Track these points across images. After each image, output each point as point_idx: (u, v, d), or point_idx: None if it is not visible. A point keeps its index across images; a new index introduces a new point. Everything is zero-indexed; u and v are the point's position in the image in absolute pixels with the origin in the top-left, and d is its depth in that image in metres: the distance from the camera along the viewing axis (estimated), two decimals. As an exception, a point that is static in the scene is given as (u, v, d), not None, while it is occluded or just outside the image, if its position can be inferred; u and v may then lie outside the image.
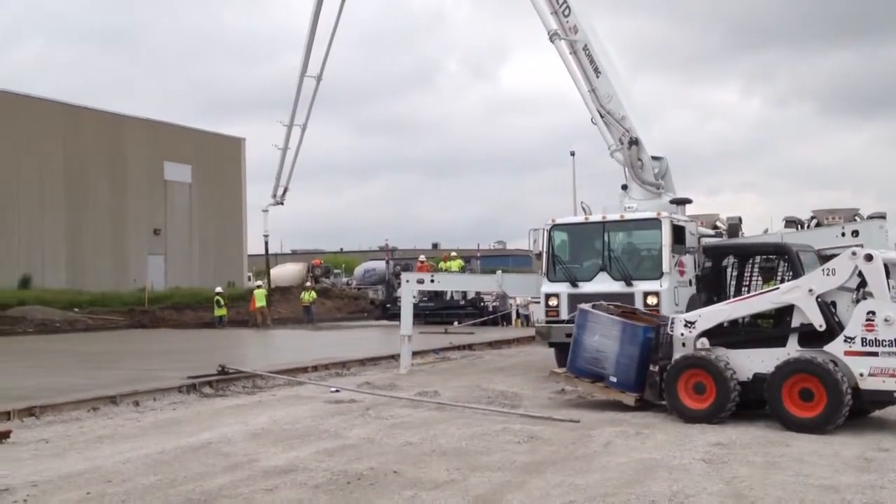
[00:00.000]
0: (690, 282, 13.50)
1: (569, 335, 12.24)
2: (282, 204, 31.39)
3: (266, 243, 34.00)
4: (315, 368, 15.21)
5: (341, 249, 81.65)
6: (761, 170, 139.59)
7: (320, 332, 28.51)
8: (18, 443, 8.78)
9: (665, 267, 13.01)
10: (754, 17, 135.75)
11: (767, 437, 8.52)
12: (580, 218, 14.67)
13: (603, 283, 13.36)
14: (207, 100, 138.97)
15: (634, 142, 15.31)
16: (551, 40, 16.12)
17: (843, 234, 13.03)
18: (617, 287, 13.15)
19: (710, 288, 11.09)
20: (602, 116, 15.71)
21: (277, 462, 7.63)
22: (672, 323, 9.96)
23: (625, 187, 15.56)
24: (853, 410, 8.84)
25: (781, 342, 9.32)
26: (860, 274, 8.91)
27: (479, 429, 9.13)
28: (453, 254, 36.06)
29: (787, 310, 9.33)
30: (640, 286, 13.06)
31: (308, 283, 38.89)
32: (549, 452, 7.97)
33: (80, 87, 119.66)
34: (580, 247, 14.33)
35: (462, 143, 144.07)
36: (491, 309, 31.10)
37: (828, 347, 8.92)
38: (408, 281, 16.55)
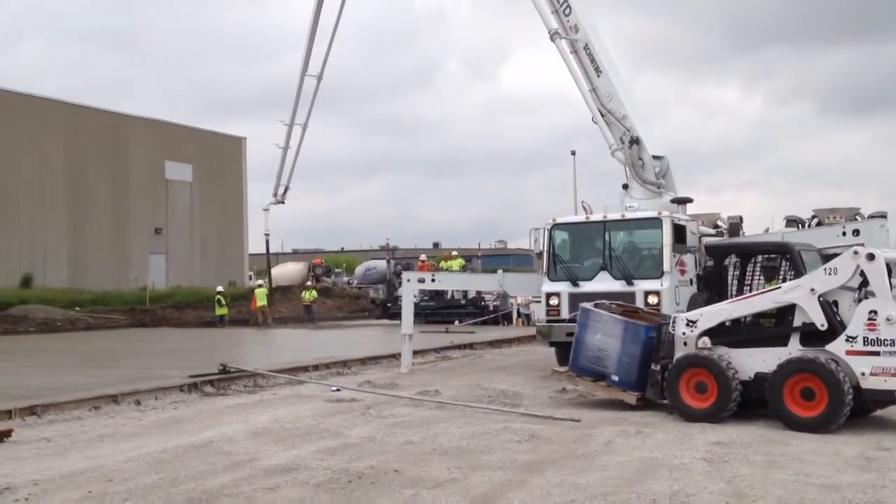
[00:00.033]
0: (691, 281, 13.50)
1: (569, 334, 12.24)
2: (283, 203, 31.38)
3: (267, 242, 34.01)
4: (316, 367, 15.22)
5: (342, 249, 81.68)
6: (762, 169, 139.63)
7: (321, 331, 28.53)
8: (20, 441, 8.79)
9: (666, 266, 13.01)
10: (755, 15, 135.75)
11: (768, 436, 8.52)
12: (581, 217, 14.66)
13: (604, 283, 13.36)
14: (208, 99, 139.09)
15: (635, 141, 15.30)
16: (552, 39, 16.11)
17: (845, 234, 13.02)
18: (618, 286, 13.14)
19: (712, 287, 11.10)
20: (603, 115, 15.70)
21: (279, 461, 7.63)
22: (674, 322, 9.96)
23: (626, 186, 15.56)
24: (855, 410, 8.84)
25: (783, 341, 9.32)
26: (862, 273, 8.91)
27: (479, 428, 9.13)
28: (454, 253, 36.05)
29: (789, 309, 9.33)
30: (641, 285, 13.06)
31: (309, 283, 38.94)
32: (549, 451, 7.97)
33: (81, 86, 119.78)
34: (581, 246, 14.33)
35: (463, 142, 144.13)
36: (492, 308, 31.10)
37: (829, 347, 8.92)
38: (409, 280, 16.56)
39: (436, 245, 71.24)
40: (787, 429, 8.80)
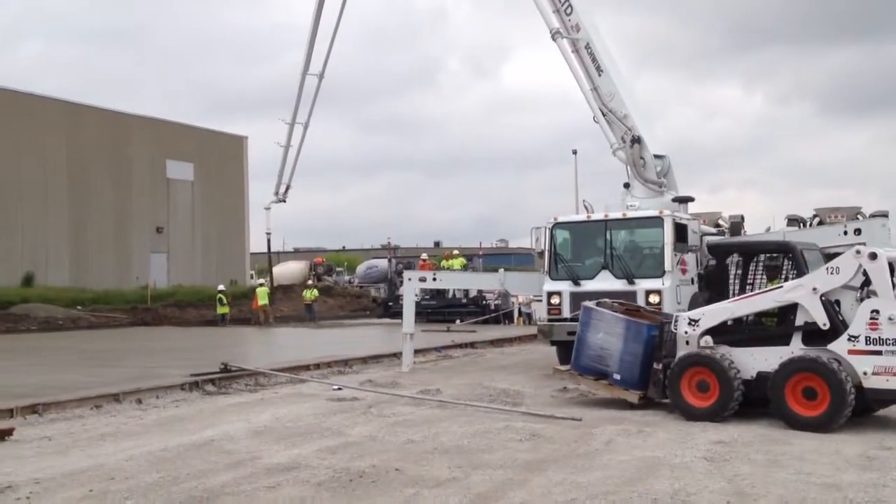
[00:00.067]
0: (692, 280, 13.49)
1: (570, 333, 12.25)
2: (284, 201, 31.44)
3: (268, 241, 34.09)
4: (317, 366, 15.22)
5: (343, 247, 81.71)
6: (763, 168, 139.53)
7: (322, 330, 28.53)
8: (21, 440, 8.80)
9: (667, 265, 13.00)
10: (756, 15, 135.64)
11: (769, 436, 8.51)
12: (582, 216, 14.66)
13: (605, 282, 13.35)
14: (210, 98, 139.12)
15: (636, 140, 15.29)
16: (553, 39, 16.11)
17: (846, 233, 13.03)
18: (619, 285, 13.14)
19: (714, 286, 11.10)
20: (604, 115, 15.70)
21: (280, 459, 7.64)
22: (676, 321, 9.95)
23: (627, 185, 15.56)
24: (857, 409, 8.83)
25: (785, 341, 9.31)
26: (864, 272, 8.90)
27: (480, 427, 9.13)
28: (455, 252, 36.04)
29: (791, 308, 9.32)
30: (643, 284, 13.05)
31: (310, 282, 38.96)
32: (550, 450, 7.97)
33: (83, 85, 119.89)
34: (582, 245, 14.33)
35: (464, 141, 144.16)
36: (493, 307, 31.10)
37: (831, 346, 8.90)
38: (410, 279, 16.56)
39: (437, 244, 71.29)
40: (789, 428, 8.80)
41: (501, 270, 17.09)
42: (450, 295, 31.51)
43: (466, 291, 31.05)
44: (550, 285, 13.98)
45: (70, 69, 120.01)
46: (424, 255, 36.58)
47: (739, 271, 10.92)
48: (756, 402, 9.37)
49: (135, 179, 41.82)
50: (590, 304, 10.89)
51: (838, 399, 8.60)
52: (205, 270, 43.86)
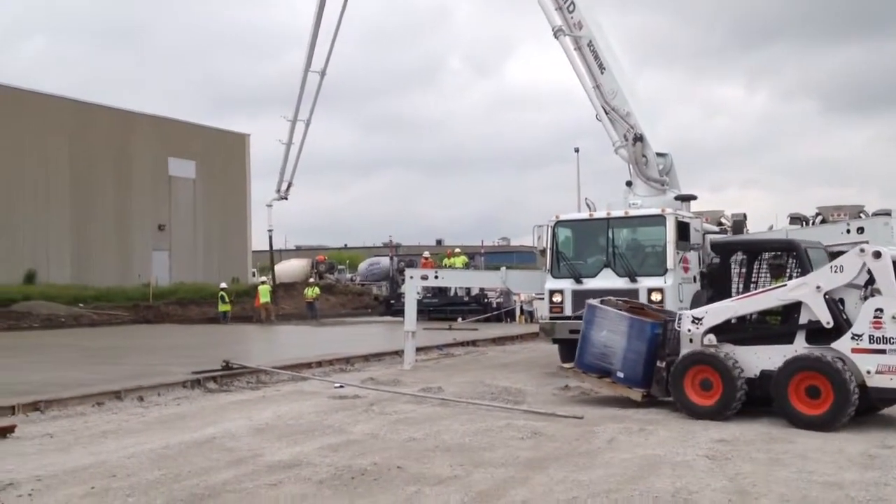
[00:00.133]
0: (695, 278, 13.47)
1: (573, 331, 12.24)
2: (286, 199, 31.47)
3: (270, 238, 34.12)
4: (319, 364, 15.22)
5: (345, 245, 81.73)
6: (766, 166, 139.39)
7: (324, 328, 28.54)
8: (23, 437, 8.80)
9: (669, 263, 12.98)
10: (758, 13, 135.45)
11: (771, 434, 8.50)
12: (584, 214, 14.64)
13: (607, 280, 13.33)
14: (212, 96, 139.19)
15: (639, 138, 15.27)
16: (556, 36, 16.08)
17: (849, 231, 13.00)
18: (621, 283, 13.12)
19: (718, 284, 11.08)
20: (606, 113, 15.68)
21: (281, 457, 7.63)
22: (679, 319, 9.94)
23: (629, 184, 15.53)
24: (861, 408, 8.81)
25: (789, 339, 9.29)
26: (868, 271, 8.87)
27: (482, 425, 9.12)
28: (457, 250, 36.03)
29: (795, 306, 9.29)
30: (645, 282, 13.04)
31: (312, 280, 38.95)
32: (552, 448, 7.96)
33: (86, 83, 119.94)
34: (584, 243, 14.31)
35: (466, 139, 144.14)
36: (495, 305, 31.08)
37: (835, 345, 8.88)
38: (412, 277, 16.56)
39: (439, 242, 71.25)
40: (791, 426, 8.78)
41: (503, 268, 17.07)
42: (451, 293, 31.50)
43: (468, 289, 31.05)
44: (552, 283, 13.96)
45: (72, 67, 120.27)
46: (426, 254, 36.56)
47: (743, 269, 10.89)
48: (759, 400, 9.36)
49: (137, 177, 41.85)
50: (594, 301, 10.88)
51: (842, 398, 8.58)
52: (207, 268, 43.91)
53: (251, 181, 48.95)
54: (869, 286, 9.02)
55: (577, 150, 45.93)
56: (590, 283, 13.45)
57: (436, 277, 17.96)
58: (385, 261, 41.15)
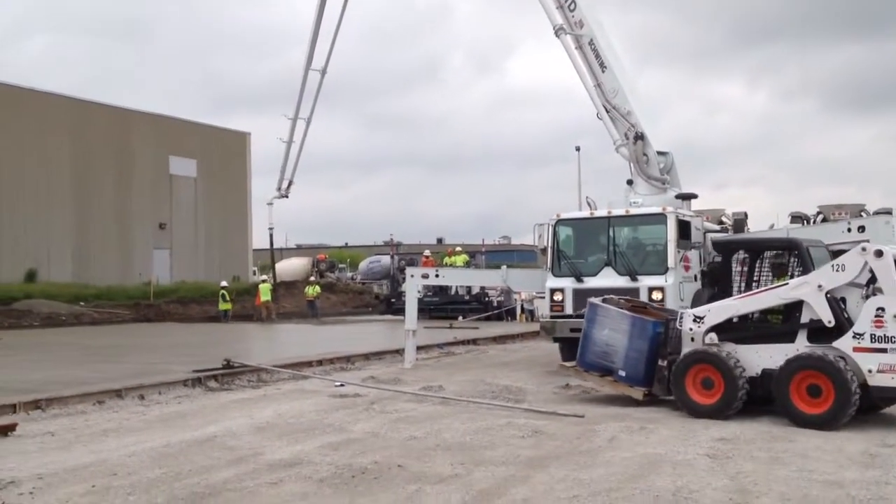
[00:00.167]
0: (695, 277, 13.47)
1: (573, 330, 12.24)
2: (286, 197, 31.41)
3: (271, 236, 34.06)
4: (320, 363, 15.22)
5: (346, 244, 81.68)
6: (767, 164, 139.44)
7: (325, 326, 28.54)
8: (24, 435, 8.81)
9: (670, 262, 12.98)
10: (759, 11, 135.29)
11: (771, 433, 8.50)
12: (585, 213, 14.64)
13: (608, 278, 13.33)
14: (213, 94, 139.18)
15: (640, 137, 15.26)
16: (557, 35, 16.07)
17: (850, 230, 12.99)
18: (622, 282, 13.12)
19: (720, 283, 11.07)
20: (607, 111, 15.67)
21: (282, 456, 7.63)
22: (681, 318, 9.93)
23: (630, 182, 15.52)
24: (863, 407, 8.80)
25: (790, 338, 9.29)
26: (870, 270, 8.87)
27: (483, 423, 9.12)
28: (458, 249, 36.03)
29: (797, 305, 9.30)
30: (646, 281, 13.03)
31: (312, 278, 38.92)
32: (553, 447, 7.96)
33: (86, 81, 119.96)
34: (585, 242, 14.30)
35: (467, 138, 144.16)
36: (495, 304, 31.09)
37: (837, 343, 8.88)
38: (412, 276, 16.56)
39: (440, 241, 71.19)
40: (791, 425, 8.78)
41: (504, 267, 17.07)
42: (452, 292, 31.50)
43: (469, 288, 31.05)
44: (553, 282, 13.96)
45: (73, 66, 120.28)
46: (427, 252, 36.59)
47: (745, 268, 10.89)
48: (761, 399, 9.35)
49: (138, 176, 41.85)
50: (596, 300, 10.87)
51: (843, 397, 8.58)
52: (207, 267, 43.91)
53: (252, 179, 49.00)
54: (870, 285, 9.02)
55: (578, 149, 45.93)
56: (591, 282, 13.44)
57: (436, 276, 17.96)
58: (386, 259, 41.12)
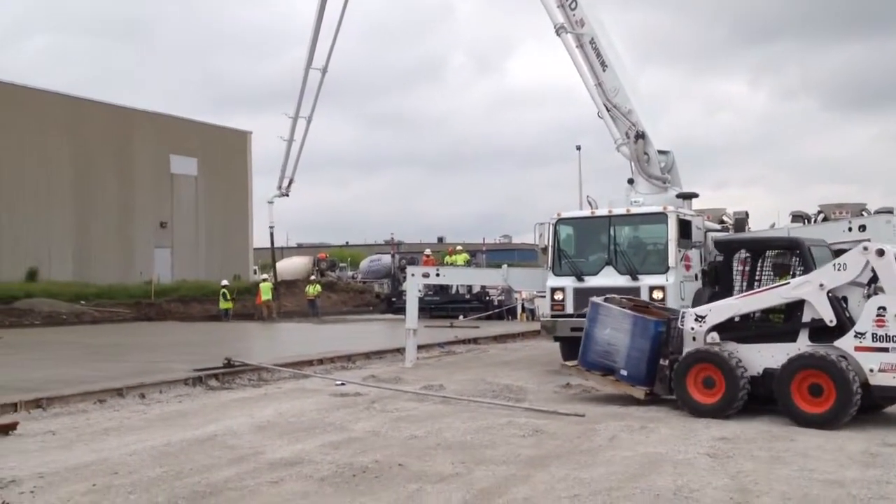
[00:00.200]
0: (696, 276, 13.46)
1: (574, 329, 12.24)
2: (287, 195, 31.41)
3: (272, 234, 34.05)
4: (320, 362, 15.23)
5: (347, 243, 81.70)
6: (768, 164, 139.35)
7: (325, 325, 28.55)
8: (25, 434, 8.81)
9: (671, 261, 12.97)
10: (761, 10, 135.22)
11: (772, 432, 8.49)
12: (586, 212, 14.64)
13: (609, 278, 13.33)
14: (214, 93, 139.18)
15: (641, 136, 15.26)
16: (558, 34, 16.06)
17: (850, 229, 12.98)
18: (622, 281, 13.11)
19: (721, 282, 11.07)
20: (608, 110, 15.67)
21: (283, 455, 7.64)
22: (683, 317, 9.93)
23: (631, 181, 15.52)
24: (864, 406, 8.80)
25: (792, 337, 9.28)
26: (872, 269, 8.86)
27: (483, 422, 9.12)
28: (459, 248, 36.04)
29: (798, 305, 9.29)
30: (646, 280, 13.03)
31: (313, 277, 38.93)
32: (553, 446, 7.96)
33: (87, 82, 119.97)
34: (586, 241, 14.30)
35: (468, 137, 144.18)
36: (496, 303, 31.11)
37: (838, 343, 8.87)
38: (413, 275, 16.56)
39: (440, 240, 71.21)
40: (792, 424, 8.77)
41: (505, 266, 17.06)
42: (453, 291, 31.52)
43: (470, 287, 31.05)
44: (554, 281, 13.95)
45: (73, 66, 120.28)
46: (428, 251, 36.58)
47: (746, 267, 10.88)
48: (763, 398, 9.35)
49: (138, 174, 41.86)
50: (597, 299, 10.87)
51: (844, 396, 8.57)
52: (208, 265, 43.93)
53: (253, 178, 49.02)
54: (872, 284, 9.01)
55: (578, 148, 45.93)
56: (591, 281, 13.44)
57: (437, 275, 17.96)
58: (386, 258, 41.14)
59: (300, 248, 72.01)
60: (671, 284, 12.82)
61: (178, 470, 7.06)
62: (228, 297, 32.00)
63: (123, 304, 33.55)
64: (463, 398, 10.87)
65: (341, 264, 54.69)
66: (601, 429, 8.72)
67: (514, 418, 9.36)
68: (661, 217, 13.32)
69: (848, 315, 9.00)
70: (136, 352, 18.11)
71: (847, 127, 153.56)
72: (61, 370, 13.95)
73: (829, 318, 8.95)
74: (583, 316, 11.22)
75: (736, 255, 11.11)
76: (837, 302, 9.05)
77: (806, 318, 9.20)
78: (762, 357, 9.39)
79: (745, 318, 9.81)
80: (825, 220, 14.75)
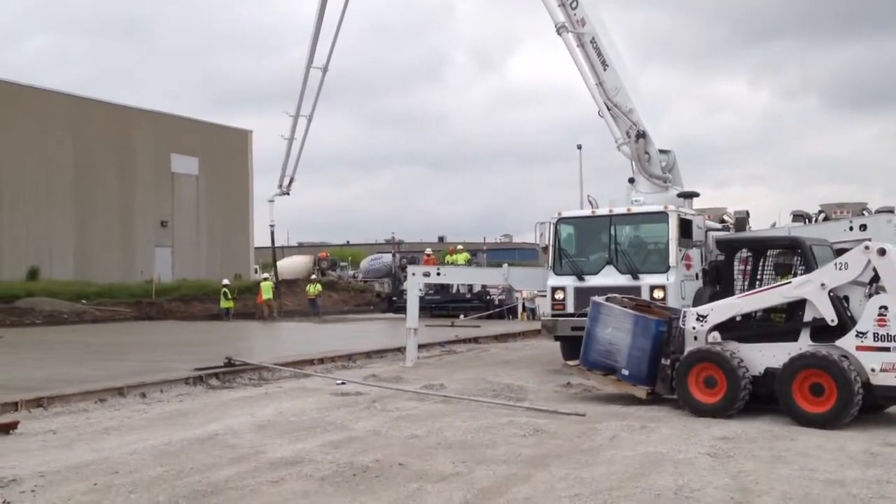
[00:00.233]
0: (697, 275, 13.46)
1: (575, 328, 12.23)
2: (288, 194, 31.41)
3: (272, 233, 34.06)
4: (321, 361, 15.23)
5: (347, 242, 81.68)
6: (769, 163, 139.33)
7: (326, 324, 28.56)
8: (26, 433, 8.81)
9: (672, 260, 12.97)
10: (760, 10, 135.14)
11: (773, 432, 8.49)
12: (587, 211, 14.63)
13: (609, 277, 13.32)
14: (215, 92, 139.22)
15: (641, 135, 15.25)
16: (559, 33, 16.06)
17: (851, 228, 12.97)
18: (623, 280, 13.11)
19: (723, 281, 11.06)
20: (609, 109, 15.66)
21: (284, 454, 7.64)
22: (684, 316, 9.92)
23: (632, 181, 15.51)
24: (866, 406, 8.79)
25: (793, 337, 9.28)
26: (873, 268, 8.85)
27: (484, 422, 9.12)
28: (459, 247, 36.03)
29: (800, 304, 9.28)
30: (647, 280, 13.03)
31: (314, 276, 38.94)
32: (554, 446, 7.95)
33: (87, 82, 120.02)
34: (587, 240, 14.30)
35: (468, 136, 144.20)
36: (497, 302, 31.11)
37: (839, 342, 8.86)
38: (414, 274, 16.56)
39: (441, 239, 71.21)
40: (793, 424, 8.77)
41: (505, 265, 17.05)
42: (454, 290, 31.53)
43: (470, 286, 31.07)
44: (555, 280, 13.95)
45: (73, 66, 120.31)
46: (428, 250, 36.57)
47: (747, 267, 10.88)
48: (764, 398, 9.34)
49: (139, 173, 41.85)
50: (598, 299, 10.86)
51: (845, 396, 8.56)
52: (209, 265, 43.94)
53: (254, 177, 48.99)
54: (873, 283, 9.00)
55: (579, 147, 46.01)
56: (592, 281, 13.43)
57: (438, 274, 17.97)
58: (387, 257, 41.13)
59: (301, 248, 72.00)
60: (672, 284, 12.81)
61: (179, 469, 7.06)
62: (229, 296, 32.01)
63: (124, 303, 33.57)
64: (464, 397, 10.87)
65: (342, 263, 54.67)
66: (602, 428, 8.72)
67: (514, 418, 9.36)
68: (661, 216, 13.32)
69: (849, 314, 8.99)
70: (137, 351, 18.12)
71: (847, 127, 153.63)
72: (62, 369, 13.96)
73: (831, 317, 8.95)
74: (583, 315, 11.22)
75: (737, 255, 11.11)
76: (839, 301, 9.04)
77: (807, 317, 9.19)
78: (763, 356, 9.38)
79: (747, 317, 9.80)
80: (826, 219, 14.74)
